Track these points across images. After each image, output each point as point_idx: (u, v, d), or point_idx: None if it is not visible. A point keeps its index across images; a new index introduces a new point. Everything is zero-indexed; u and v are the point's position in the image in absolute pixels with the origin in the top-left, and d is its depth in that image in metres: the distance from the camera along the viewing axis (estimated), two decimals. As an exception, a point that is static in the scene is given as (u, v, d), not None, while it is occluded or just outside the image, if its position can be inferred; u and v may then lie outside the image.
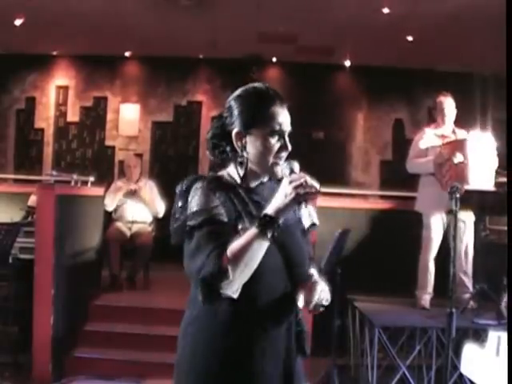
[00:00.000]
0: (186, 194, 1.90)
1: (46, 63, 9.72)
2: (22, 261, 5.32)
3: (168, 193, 7.21)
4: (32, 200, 5.95)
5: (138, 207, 6.92)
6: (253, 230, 1.72)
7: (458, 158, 4.94)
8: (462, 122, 5.36)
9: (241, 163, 1.92)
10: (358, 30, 7.63)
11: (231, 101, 1.97)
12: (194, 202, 1.85)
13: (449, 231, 4.92)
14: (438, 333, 4.61)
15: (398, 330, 4.87)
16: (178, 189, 1.94)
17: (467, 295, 5.02)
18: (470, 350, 3.34)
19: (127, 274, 6.79)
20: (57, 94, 9.83)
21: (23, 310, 5.08)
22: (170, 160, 9.80)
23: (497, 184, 5.04)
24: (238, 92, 1.99)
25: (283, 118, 1.94)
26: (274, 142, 1.91)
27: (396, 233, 5.55)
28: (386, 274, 5.37)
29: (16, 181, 7.98)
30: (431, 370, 4.75)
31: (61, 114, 9.84)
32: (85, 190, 6.42)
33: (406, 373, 4.60)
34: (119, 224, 6.75)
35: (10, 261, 5.11)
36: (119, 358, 5.31)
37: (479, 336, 4.46)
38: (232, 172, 1.96)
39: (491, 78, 9.18)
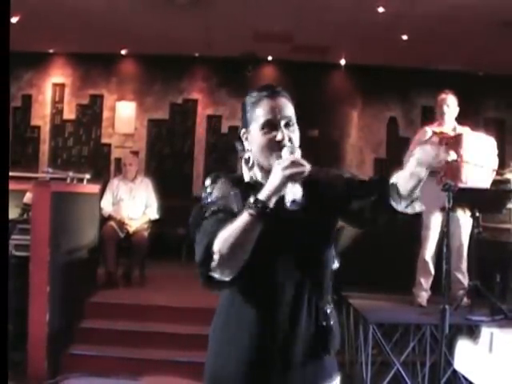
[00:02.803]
0: (206, 189, 1.96)
1: (42, 61, 9.72)
2: (17, 258, 5.32)
3: (164, 190, 7.25)
4: (28, 197, 5.94)
5: (134, 205, 6.95)
6: (244, 215, 1.72)
7: (451, 155, 4.95)
8: (457, 120, 5.38)
9: (246, 161, 1.96)
10: (353, 29, 7.65)
11: None
12: (211, 196, 1.91)
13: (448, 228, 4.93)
14: (432, 329, 4.64)
15: (392, 327, 4.89)
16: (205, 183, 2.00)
17: (461, 292, 5.05)
18: (463, 346, 3.36)
19: (123, 271, 6.81)
20: (53, 91, 9.83)
21: (18, 307, 5.08)
22: (166, 158, 9.82)
23: (493, 182, 5.07)
24: None
25: (274, 107, 1.92)
26: (269, 134, 1.90)
27: (390, 230, 5.55)
28: (380, 271, 5.38)
29: (12, 178, 7.97)
30: (425, 367, 4.77)
31: (57, 111, 9.85)
32: (81, 187, 6.42)
33: (401, 369, 4.62)
34: (115, 221, 6.77)
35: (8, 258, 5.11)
36: (115, 355, 5.31)
37: (473, 332, 4.49)
38: (244, 170, 2.01)
39: (485, 77, 9.25)
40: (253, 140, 1.95)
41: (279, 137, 1.88)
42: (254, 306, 1.88)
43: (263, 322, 1.87)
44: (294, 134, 1.92)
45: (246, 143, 1.98)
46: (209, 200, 1.90)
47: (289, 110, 1.93)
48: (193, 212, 1.96)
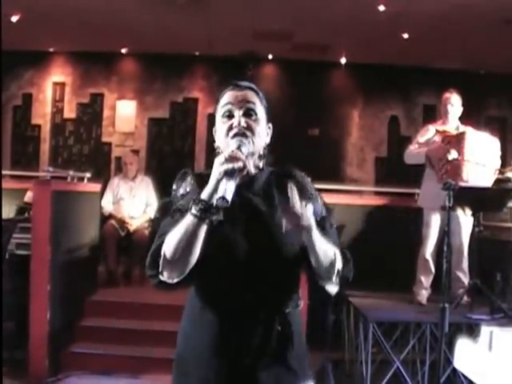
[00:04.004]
0: (173, 186, 1.92)
1: (43, 60, 9.71)
2: (18, 257, 5.34)
3: (164, 189, 7.25)
4: (28, 196, 5.96)
5: (135, 203, 6.96)
6: (188, 216, 1.67)
7: (452, 154, 4.97)
8: (459, 119, 5.38)
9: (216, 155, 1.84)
10: (354, 28, 7.65)
11: None
12: (176, 194, 1.88)
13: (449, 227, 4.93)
14: (432, 328, 4.64)
15: (392, 325, 4.89)
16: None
17: (461, 290, 5.05)
18: (462, 345, 3.37)
19: (123, 269, 6.82)
20: (53, 90, 9.83)
21: (20, 305, 5.09)
22: (166, 156, 9.81)
23: (493, 181, 5.07)
24: None
25: (234, 96, 1.87)
26: (227, 122, 1.85)
27: (390, 229, 5.58)
28: (380, 269, 5.39)
29: (12, 177, 7.98)
30: (425, 365, 4.77)
31: (57, 110, 9.85)
32: (81, 186, 6.43)
33: (400, 367, 4.63)
34: (115, 220, 6.78)
35: (7, 257, 5.13)
36: (116, 353, 5.33)
37: (473, 331, 4.49)
38: None
39: (487, 76, 9.24)
40: (217, 131, 1.92)
41: (234, 122, 1.83)
42: (211, 307, 1.82)
43: (220, 324, 1.80)
44: (256, 124, 1.85)
45: (216, 138, 1.93)
46: (172, 198, 1.86)
47: (251, 100, 1.88)
48: (156, 209, 1.95)
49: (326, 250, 1.75)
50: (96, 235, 6.63)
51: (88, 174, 6.63)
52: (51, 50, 9.62)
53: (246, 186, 1.84)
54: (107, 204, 6.94)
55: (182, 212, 1.74)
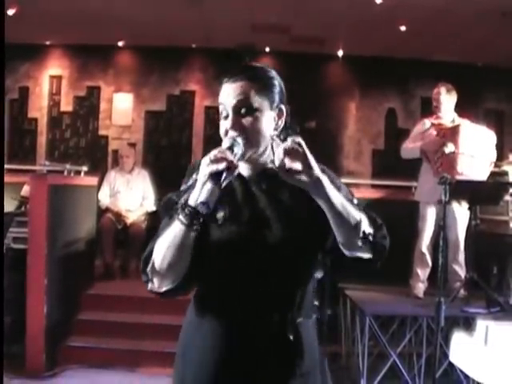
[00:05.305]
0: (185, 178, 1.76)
1: (39, 53, 9.67)
2: (15, 251, 5.34)
3: (161, 182, 7.25)
4: (25, 190, 5.95)
5: (132, 197, 6.96)
6: (175, 222, 1.54)
7: (449, 147, 4.97)
8: (457, 112, 5.37)
9: None
10: (351, 20, 7.62)
11: None
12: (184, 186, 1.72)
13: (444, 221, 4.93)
14: (429, 321, 4.65)
15: (389, 319, 4.91)
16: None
17: (458, 284, 5.06)
18: (458, 339, 3.38)
19: (120, 263, 6.83)
20: (50, 83, 9.79)
21: (16, 299, 5.09)
22: (163, 149, 9.79)
23: (490, 174, 5.08)
24: None
25: (228, 93, 1.68)
26: (223, 126, 1.68)
27: (387, 222, 5.56)
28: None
29: (9, 171, 7.96)
30: (422, 358, 4.78)
31: (54, 103, 9.81)
32: (78, 179, 6.42)
33: (397, 361, 4.64)
34: (112, 213, 6.78)
35: (4, 251, 5.13)
36: (113, 346, 5.34)
37: (469, 324, 4.50)
38: None
39: (484, 69, 9.23)
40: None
41: (227, 125, 1.66)
42: (212, 318, 1.69)
43: (221, 337, 1.66)
44: (253, 119, 1.65)
45: None
46: (176, 194, 1.70)
47: (245, 94, 1.67)
48: (160, 204, 1.80)
49: (345, 206, 1.53)
50: (93, 229, 6.62)
51: (85, 168, 6.63)
52: (48, 43, 9.58)
53: (252, 184, 1.71)
54: (104, 197, 6.94)
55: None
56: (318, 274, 1.78)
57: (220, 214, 1.63)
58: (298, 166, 1.46)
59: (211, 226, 1.63)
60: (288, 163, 1.46)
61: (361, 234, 1.55)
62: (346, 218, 1.53)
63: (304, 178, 1.47)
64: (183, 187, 1.69)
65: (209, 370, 1.67)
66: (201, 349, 1.69)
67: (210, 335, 1.68)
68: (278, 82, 1.77)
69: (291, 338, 1.66)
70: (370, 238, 1.57)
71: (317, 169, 1.49)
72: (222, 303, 1.68)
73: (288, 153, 1.47)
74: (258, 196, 1.69)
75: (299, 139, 1.50)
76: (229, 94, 1.68)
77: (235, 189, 1.68)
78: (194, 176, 1.65)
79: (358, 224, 1.54)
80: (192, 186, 1.59)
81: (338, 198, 1.53)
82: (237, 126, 1.64)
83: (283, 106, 1.75)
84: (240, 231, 1.64)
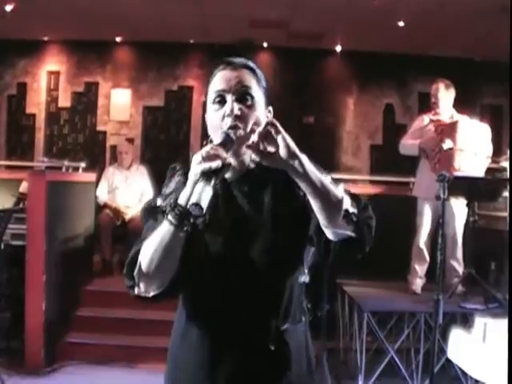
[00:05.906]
0: (164, 182, 1.71)
1: (37, 49, 9.64)
2: (13, 247, 5.34)
3: (159, 177, 7.24)
4: (23, 186, 5.95)
5: (130, 192, 6.96)
6: (164, 223, 1.46)
7: (447, 144, 4.98)
8: (455, 107, 5.38)
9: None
10: (349, 16, 7.61)
11: None
12: (164, 191, 1.67)
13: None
14: (427, 317, 4.67)
15: (386, 314, 4.92)
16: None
17: (456, 280, 5.07)
18: (456, 335, 3.39)
19: (119, 258, 6.82)
20: (48, 79, 9.77)
21: (15, 296, 5.10)
22: (162, 145, 9.78)
23: (488, 171, 5.09)
24: None
25: (227, 78, 1.62)
26: (220, 110, 1.61)
27: (385, 218, 5.56)
28: (374, 258, 5.39)
29: (8, 167, 7.96)
30: (419, 354, 4.80)
31: (52, 99, 9.79)
32: (76, 175, 6.42)
33: (395, 356, 4.66)
34: (111, 209, 6.78)
35: (2, 247, 5.13)
36: (111, 342, 5.35)
37: (467, 320, 4.52)
38: None
39: (482, 64, 9.22)
40: (208, 119, 1.67)
41: (226, 111, 1.58)
42: (198, 324, 1.66)
43: (208, 344, 1.63)
44: (252, 110, 1.60)
45: (208, 126, 1.67)
46: (160, 197, 1.63)
47: (246, 82, 1.63)
48: (141, 210, 1.74)
49: (325, 185, 1.47)
50: (91, 225, 6.63)
51: (83, 164, 6.63)
52: (46, 38, 9.56)
53: (240, 183, 1.65)
54: (102, 193, 6.94)
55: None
56: (304, 279, 1.73)
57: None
58: (274, 147, 1.40)
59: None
60: (265, 146, 1.40)
61: (343, 212, 1.49)
62: (326, 195, 1.47)
63: (282, 157, 1.41)
64: (167, 190, 1.63)
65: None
66: (187, 364, 1.67)
67: (195, 345, 1.65)
68: (266, 84, 1.73)
69: (272, 348, 1.61)
70: (353, 217, 1.51)
71: (294, 146, 1.42)
72: (207, 312, 1.65)
73: (264, 136, 1.40)
74: (240, 199, 1.64)
75: (273, 119, 1.44)
76: (230, 79, 1.62)
77: (216, 192, 1.54)
78: (176, 178, 1.62)
79: (339, 202, 1.49)
80: (177, 189, 1.55)
81: (317, 176, 1.46)
82: (238, 112, 1.58)
83: (271, 108, 1.72)
84: (221, 236, 1.59)
